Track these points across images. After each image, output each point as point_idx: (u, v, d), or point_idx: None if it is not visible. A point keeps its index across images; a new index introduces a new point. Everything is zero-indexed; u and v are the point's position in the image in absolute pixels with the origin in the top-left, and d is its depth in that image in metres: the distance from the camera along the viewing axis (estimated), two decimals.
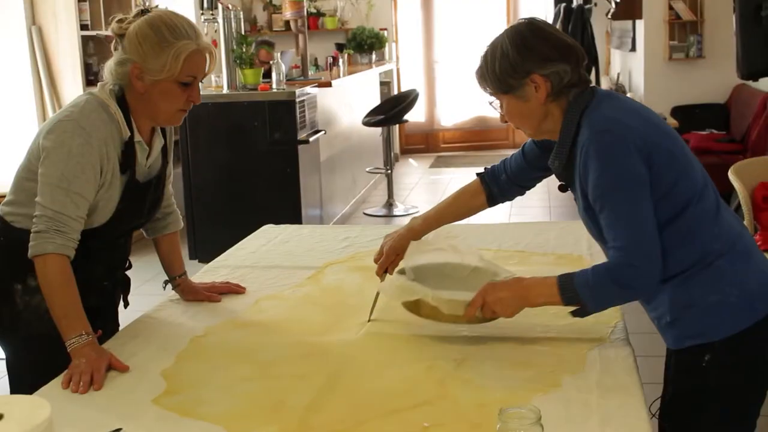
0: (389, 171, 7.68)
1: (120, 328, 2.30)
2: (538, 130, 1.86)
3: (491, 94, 1.86)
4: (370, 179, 8.31)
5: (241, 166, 5.59)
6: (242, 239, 3.13)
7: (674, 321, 1.78)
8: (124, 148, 2.02)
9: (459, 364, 1.87)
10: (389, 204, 7.62)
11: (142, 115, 2.05)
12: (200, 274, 2.68)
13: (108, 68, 2.04)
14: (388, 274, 2.18)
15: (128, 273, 2.38)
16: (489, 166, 2.25)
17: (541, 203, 7.82)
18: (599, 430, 1.53)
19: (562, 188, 1.92)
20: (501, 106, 1.86)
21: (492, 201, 2.23)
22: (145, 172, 2.13)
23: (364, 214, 7.50)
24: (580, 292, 1.77)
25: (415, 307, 1.99)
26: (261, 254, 2.87)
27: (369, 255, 2.76)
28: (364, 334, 2.07)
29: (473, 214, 2.28)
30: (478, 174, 2.24)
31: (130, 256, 2.38)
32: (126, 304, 2.39)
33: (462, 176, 9.25)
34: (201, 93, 2.07)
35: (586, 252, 2.70)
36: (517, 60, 1.77)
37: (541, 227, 3.06)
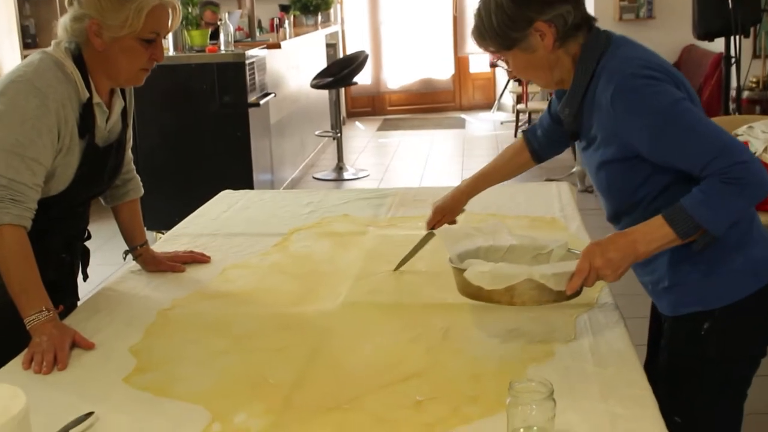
0: (338, 134, 7.55)
1: (80, 302, 2.17)
2: (551, 81, 1.76)
3: (494, 53, 1.76)
4: (318, 143, 8.18)
5: (189, 131, 5.42)
6: (192, 206, 3.01)
7: (672, 286, 1.72)
8: (83, 110, 1.88)
9: (445, 333, 1.79)
10: (339, 168, 7.51)
11: (101, 75, 1.91)
12: (161, 243, 2.56)
13: (62, 25, 1.89)
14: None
15: (86, 243, 2.24)
16: (525, 131, 2.20)
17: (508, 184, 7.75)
18: (603, 401, 1.46)
19: (573, 137, 1.83)
20: (507, 63, 1.76)
21: (536, 157, 2.15)
22: (105, 136, 1.99)
23: (314, 178, 7.38)
24: (697, 215, 1.56)
25: (485, 294, 1.68)
26: (222, 221, 2.75)
27: (336, 220, 2.68)
28: (342, 304, 1.98)
29: (521, 172, 2.23)
30: (522, 131, 2.17)
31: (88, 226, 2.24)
32: (85, 277, 2.25)
33: (410, 139, 9.19)
34: None
35: (558, 213, 2.65)
36: (514, 10, 1.66)
37: (511, 190, 2.98)
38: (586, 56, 1.69)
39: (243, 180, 5.43)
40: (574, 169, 6.65)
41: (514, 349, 1.69)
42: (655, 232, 1.60)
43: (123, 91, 2.05)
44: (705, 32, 4.92)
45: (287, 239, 2.53)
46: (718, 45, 5.61)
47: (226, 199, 3.05)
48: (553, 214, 2.65)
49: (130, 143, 2.18)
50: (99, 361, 1.73)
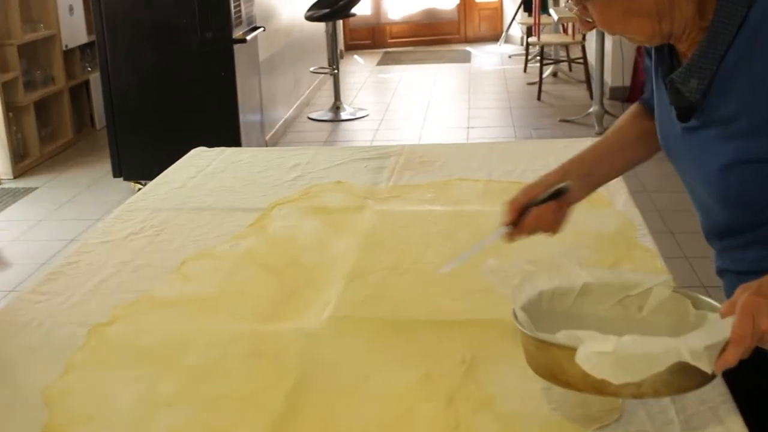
0: (335, 70, 7.00)
1: None
2: (656, 33, 1.22)
3: None
4: (313, 80, 7.63)
5: (168, 70, 4.88)
6: (173, 153, 2.55)
7: None
8: None
9: (468, 368, 1.32)
10: (336, 107, 6.98)
11: None
12: (111, 220, 2.08)
13: None
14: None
15: None
16: (642, 97, 1.60)
17: (500, 116, 7.25)
18: None
19: (684, 114, 1.28)
20: (585, 11, 1.22)
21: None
22: None
23: (309, 118, 6.86)
24: None
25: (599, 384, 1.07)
26: (189, 190, 2.27)
27: (327, 190, 2.20)
28: (329, 319, 1.50)
29: (644, 154, 1.60)
30: (640, 101, 1.59)
31: None
32: None
33: (412, 74, 8.63)
34: None
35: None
36: None
37: (538, 147, 2.49)
38: None
39: (228, 122, 4.95)
40: (591, 110, 6.13)
41: (568, 399, 1.23)
42: None
43: None
44: None
45: (266, 216, 2.04)
46: None
47: (196, 159, 2.55)
48: None
49: None
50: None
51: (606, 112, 6.00)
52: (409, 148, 2.57)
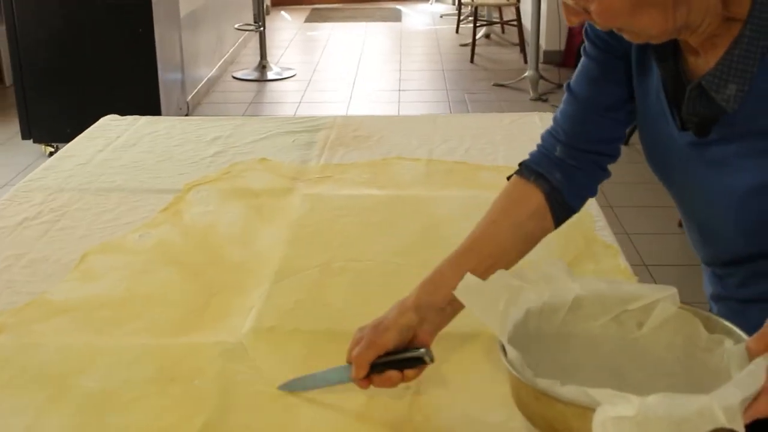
0: (261, 27, 6.70)
1: None
2: (668, 27, 0.96)
3: None
4: (238, 37, 7.30)
5: (81, 24, 4.55)
6: (87, 114, 2.31)
7: None
8: None
9: (413, 395, 1.14)
10: (262, 66, 6.69)
11: None
12: (4, 202, 1.83)
13: None
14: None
15: None
16: (525, 161, 1.26)
17: (433, 78, 7.05)
18: None
19: (703, 128, 1.05)
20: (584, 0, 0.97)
21: (559, 211, 1.24)
22: None
23: (233, 77, 6.56)
24: None
25: None
26: (94, 167, 2.02)
27: (251, 168, 1.99)
28: (252, 331, 1.29)
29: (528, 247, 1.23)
30: (517, 173, 1.25)
31: None
32: None
33: (341, 32, 8.37)
34: None
35: None
36: None
37: (483, 122, 2.30)
38: None
39: (147, 82, 4.65)
40: (526, 74, 5.97)
41: None
42: None
43: None
44: None
45: (181, 199, 1.82)
46: None
47: (105, 130, 2.30)
48: None
49: None
50: None
51: (541, 77, 5.86)
52: (341, 119, 2.36)
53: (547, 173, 1.22)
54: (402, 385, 1.13)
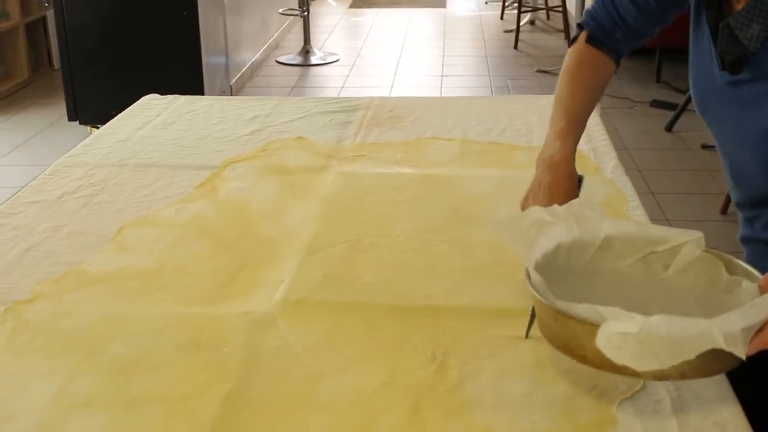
0: (305, 12, 6.72)
1: None
2: None
3: None
4: (283, 22, 7.34)
5: (127, 8, 4.61)
6: (131, 97, 2.37)
7: None
8: None
9: (439, 367, 1.14)
10: (305, 51, 6.72)
11: None
12: (45, 177, 1.87)
13: None
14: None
15: None
16: (588, 22, 1.44)
17: (476, 64, 7.01)
18: None
19: (735, 66, 1.13)
20: None
21: (617, 64, 1.48)
22: None
23: (277, 62, 6.60)
24: None
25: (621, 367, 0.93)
26: (134, 144, 2.05)
27: (287, 146, 2.00)
28: (281, 302, 1.31)
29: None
30: (589, 42, 1.43)
31: None
32: None
33: (385, 18, 8.36)
34: None
35: (585, 145, 1.97)
36: None
37: (519, 103, 2.30)
38: None
39: (190, 64, 4.72)
40: None
41: (551, 409, 1.05)
42: None
43: None
44: None
45: (218, 176, 1.84)
46: None
47: (145, 108, 2.33)
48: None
49: None
50: None
51: None
52: (378, 100, 2.37)
53: (615, 48, 1.42)
54: (426, 357, 1.15)
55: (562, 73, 1.43)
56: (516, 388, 1.09)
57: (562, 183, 1.28)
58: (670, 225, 3.46)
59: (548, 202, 1.22)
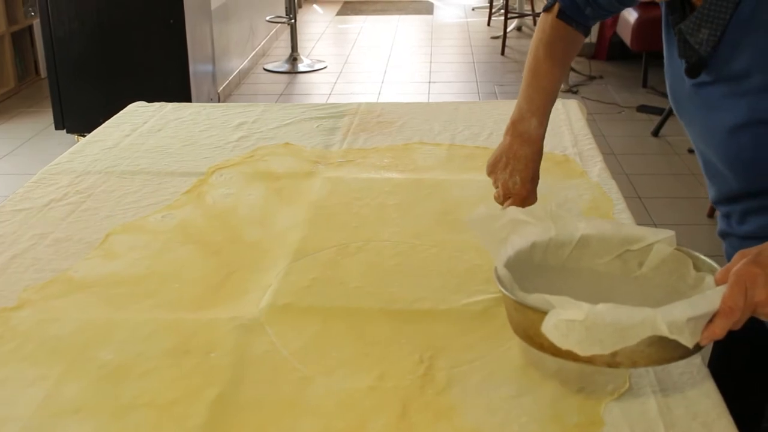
0: (292, 20, 6.73)
1: None
2: None
3: None
4: (270, 29, 7.34)
5: (113, 16, 4.60)
6: (119, 104, 2.36)
7: None
8: None
9: (427, 371, 1.15)
10: (293, 58, 6.72)
11: None
12: (31, 184, 1.86)
13: None
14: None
15: None
16: (563, 8, 1.44)
17: (463, 71, 7.02)
18: None
19: (694, 70, 1.15)
20: None
21: (585, 34, 1.50)
22: None
23: (265, 69, 6.59)
24: None
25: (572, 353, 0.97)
26: (120, 151, 2.05)
27: (274, 152, 2.00)
28: (268, 308, 1.31)
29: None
30: (560, 16, 1.43)
31: None
32: None
33: (373, 25, 8.37)
34: None
35: (571, 149, 1.98)
36: None
37: (506, 108, 2.30)
38: None
39: (177, 72, 4.70)
40: None
41: (539, 411, 1.06)
42: None
43: None
44: None
45: (204, 182, 1.84)
46: None
47: (132, 116, 2.33)
48: (564, 149, 1.98)
49: None
50: None
51: (572, 69, 5.82)
52: (365, 106, 2.37)
53: (584, 23, 1.44)
54: (414, 360, 1.15)
55: (537, 42, 1.44)
56: (504, 390, 1.10)
57: (538, 158, 1.37)
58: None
59: (525, 175, 1.34)
